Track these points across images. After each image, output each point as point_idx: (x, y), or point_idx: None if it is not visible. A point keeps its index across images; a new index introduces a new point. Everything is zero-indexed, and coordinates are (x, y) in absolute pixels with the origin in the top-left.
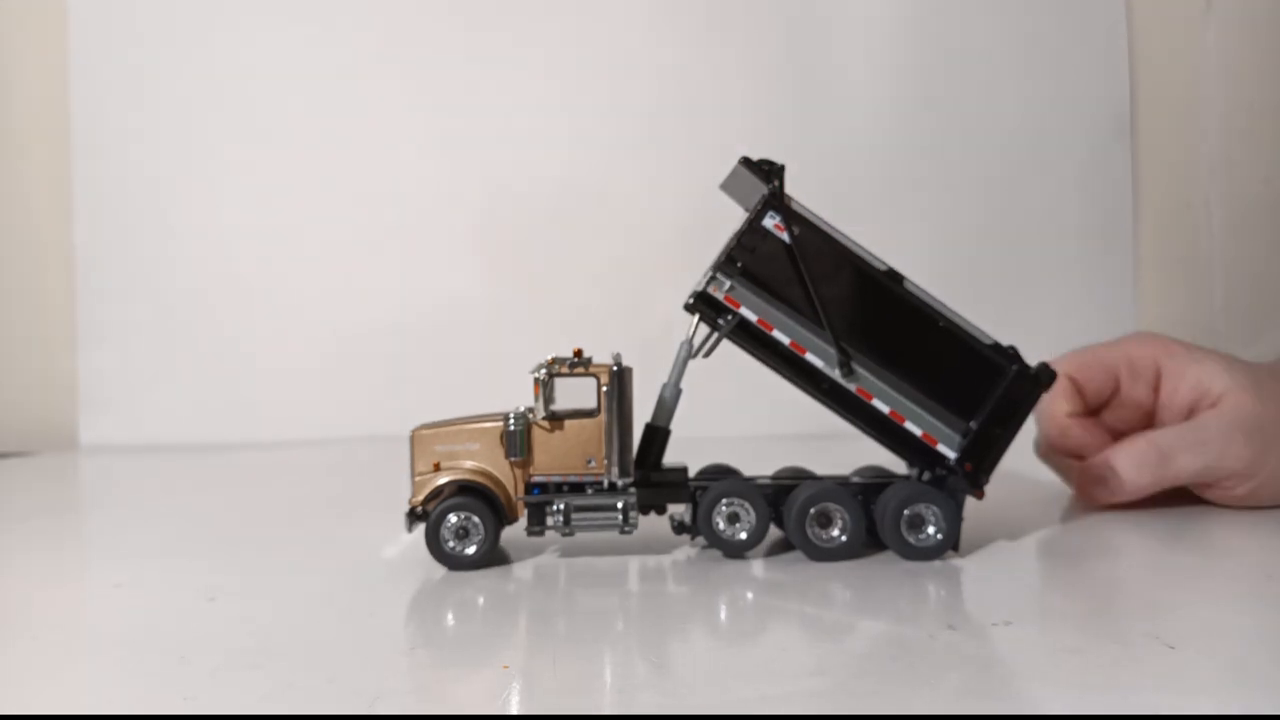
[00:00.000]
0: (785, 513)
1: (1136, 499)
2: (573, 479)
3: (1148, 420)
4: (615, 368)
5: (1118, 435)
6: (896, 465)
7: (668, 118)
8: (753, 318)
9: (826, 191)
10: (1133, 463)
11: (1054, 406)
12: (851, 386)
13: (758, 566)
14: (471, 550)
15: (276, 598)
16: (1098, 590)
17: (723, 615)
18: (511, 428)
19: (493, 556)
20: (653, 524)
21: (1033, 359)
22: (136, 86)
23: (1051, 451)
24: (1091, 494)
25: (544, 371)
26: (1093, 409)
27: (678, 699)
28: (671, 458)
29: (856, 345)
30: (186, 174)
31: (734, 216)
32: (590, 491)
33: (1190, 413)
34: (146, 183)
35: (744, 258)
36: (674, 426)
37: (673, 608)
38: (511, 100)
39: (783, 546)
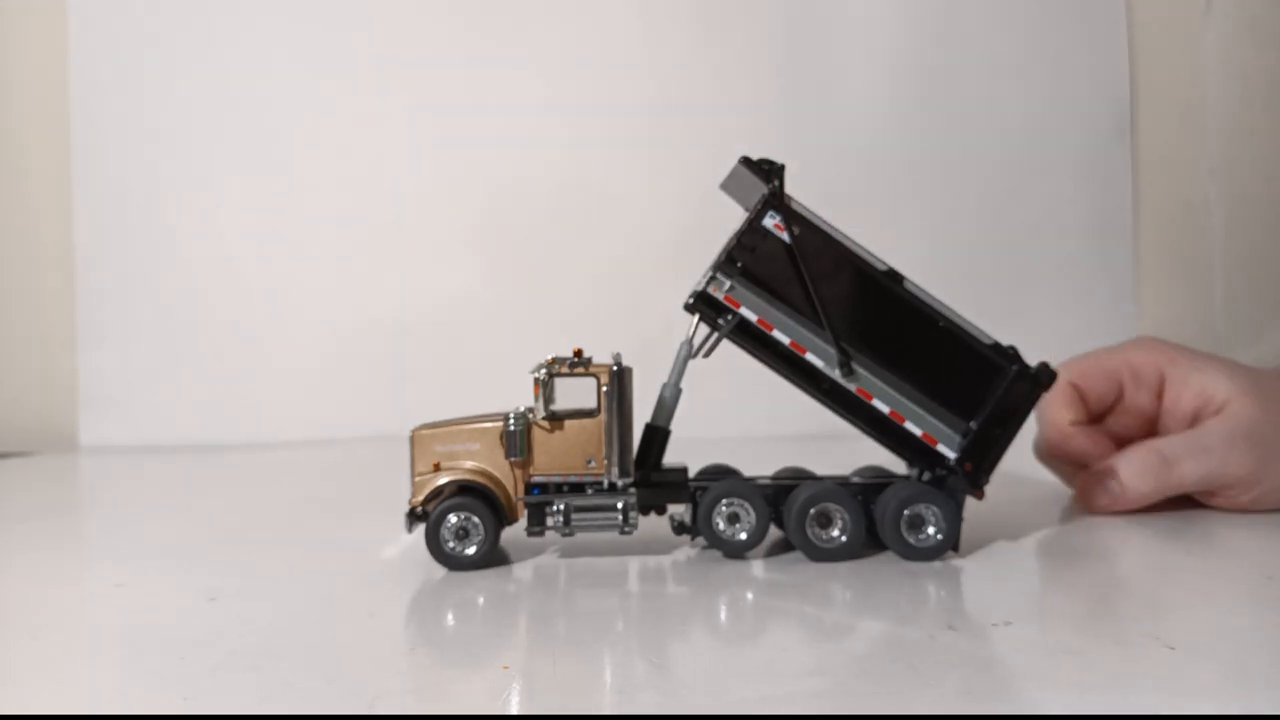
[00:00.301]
0: (785, 513)
1: (1139, 507)
2: (573, 479)
3: (1150, 427)
4: (615, 368)
5: (1120, 442)
6: (896, 465)
7: (667, 118)
8: (753, 318)
9: (826, 191)
10: (1135, 470)
11: (1056, 414)
12: (851, 386)
13: (758, 567)
14: (471, 550)
15: (276, 598)
16: (1097, 591)
17: (723, 616)
18: (511, 428)
19: (493, 557)
20: (653, 524)
21: (1032, 359)
22: (136, 86)
23: (1053, 457)
24: (1094, 501)
25: (544, 371)
26: (1095, 416)
27: (678, 699)
28: (671, 458)
29: (856, 345)
30: (186, 174)
31: (734, 216)
32: (590, 492)
33: (1194, 420)
34: (146, 183)
35: (744, 257)
36: (674, 427)
37: (673, 608)
38: (511, 100)
39: (783, 547)
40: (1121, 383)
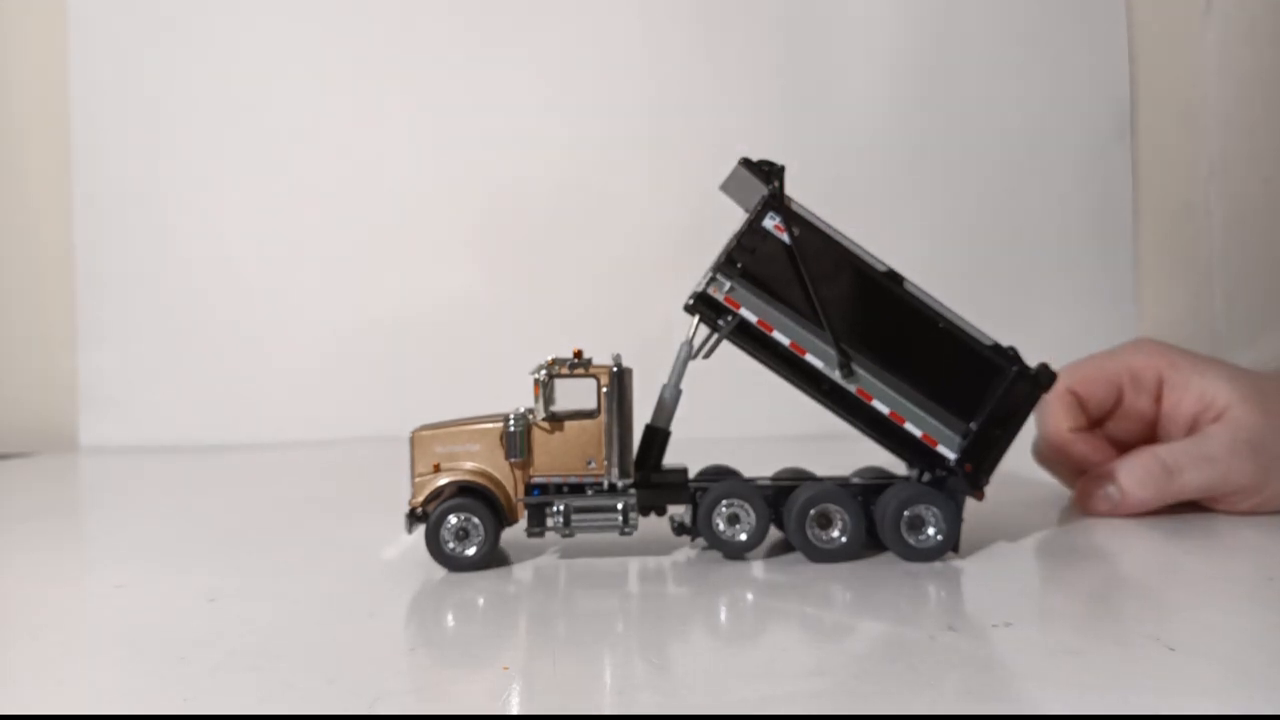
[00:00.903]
0: (785, 514)
1: (1138, 513)
2: (573, 480)
3: (1150, 430)
4: (615, 368)
5: (1120, 446)
6: (896, 466)
7: (668, 118)
8: (753, 319)
9: (826, 192)
10: (1136, 478)
11: (1056, 421)
12: (851, 387)
13: (758, 568)
14: (471, 551)
15: (276, 598)
16: (1097, 591)
17: (723, 616)
18: (511, 429)
19: (492, 558)
20: (653, 525)
21: (1032, 360)
22: (136, 86)
23: (1052, 462)
24: (1093, 506)
25: (544, 372)
26: (1095, 421)
27: (678, 699)
28: (671, 459)
29: (856, 346)
30: (186, 174)
31: (734, 217)
32: (590, 493)
33: (1193, 424)
34: (146, 182)
35: (744, 259)
36: (674, 427)
37: (673, 609)
38: (512, 100)
39: (783, 548)
40: (1121, 388)
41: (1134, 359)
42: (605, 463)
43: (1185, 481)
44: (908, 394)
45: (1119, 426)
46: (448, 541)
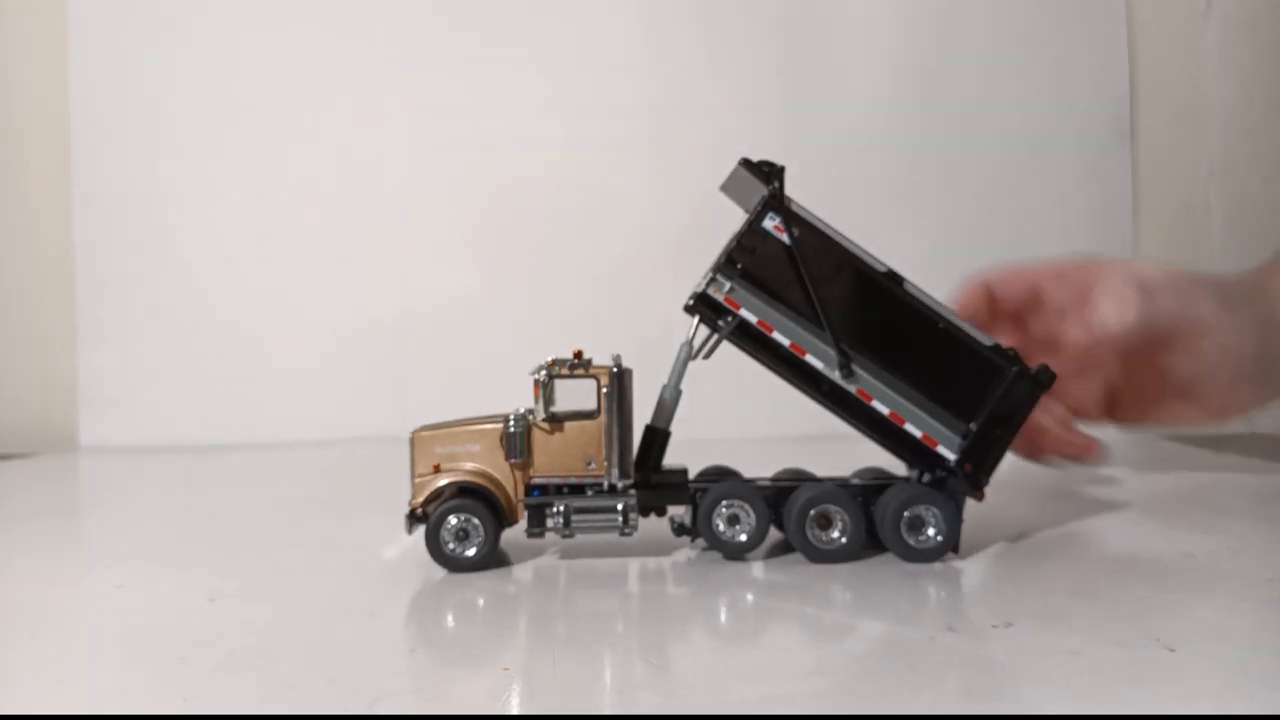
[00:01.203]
0: (785, 514)
1: (1118, 343)
2: (573, 481)
3: (1084, 330)
4: (615, 369)
5: (1055, 347)
6: (896, 467)
7: (668, 118)
8: (753, 319)
9: (826, 192)
10: (1116, 300)
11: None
12: (851, 388)
13: (758, 568)
14: (471, 552)
15: (276, 598)
16: (1097, 592)
17: (723, 617)
18: (511, 429)
19: (492, 558)
20: (653, 526)
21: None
22: (136, 87)
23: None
24: (1080, 336)
25: (544, 373)
26: (1009, 315)
27: (678, 700)
28: (672, 459)
29: (856, 347)
30: (186, 174)
31: (734, 217)
32: (590, 493)
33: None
34: (146, 182)
35: (744, 259)
36: (674, 428)
37: (673, 609)
38: (512, 100)
39: (783, 548)
40: (1038, 285)
41: (1059, 261)
42: (605, 463)
43: (1161, 305)
44: (907, 394)
45: (1047, 324)
46: (448, 542)
